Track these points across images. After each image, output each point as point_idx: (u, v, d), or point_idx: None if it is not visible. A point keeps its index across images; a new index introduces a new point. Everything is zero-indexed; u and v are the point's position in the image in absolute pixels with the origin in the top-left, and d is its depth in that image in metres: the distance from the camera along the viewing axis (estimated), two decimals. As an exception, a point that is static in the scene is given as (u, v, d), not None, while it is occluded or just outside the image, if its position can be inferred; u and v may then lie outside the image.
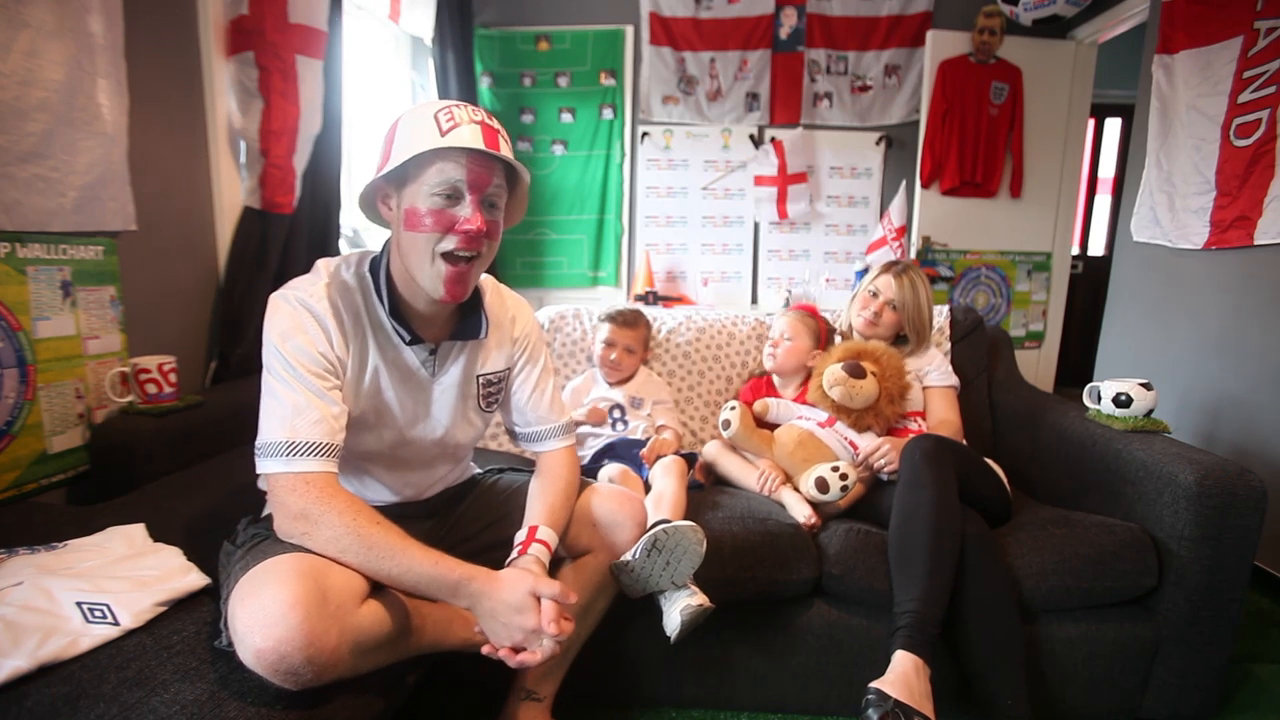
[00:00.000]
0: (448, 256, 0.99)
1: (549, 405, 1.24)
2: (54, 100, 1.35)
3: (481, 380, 1.17)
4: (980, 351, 1.99)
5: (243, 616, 0.82)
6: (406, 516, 1.09)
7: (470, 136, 0.97)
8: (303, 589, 0.82)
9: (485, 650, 0.97)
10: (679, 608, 1.20)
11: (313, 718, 0.84)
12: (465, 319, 1.13)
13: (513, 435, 1.28)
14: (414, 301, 1.06)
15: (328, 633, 0.82)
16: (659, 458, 1.58)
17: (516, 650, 0.96)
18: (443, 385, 1.13)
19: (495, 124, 1.01)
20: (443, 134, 0.96)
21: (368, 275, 1.07)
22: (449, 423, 1.15)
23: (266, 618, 0.80)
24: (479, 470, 1.36)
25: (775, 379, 1.83)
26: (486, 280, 1.19)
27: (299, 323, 0.98)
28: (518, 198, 1.12)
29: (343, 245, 2.43)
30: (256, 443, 0.96)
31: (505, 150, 1.00)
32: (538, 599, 0.95)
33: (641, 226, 3.81)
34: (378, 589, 0.96)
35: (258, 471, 0.96)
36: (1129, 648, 1.35)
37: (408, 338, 1.06)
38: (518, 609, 0.94)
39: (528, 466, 1.31)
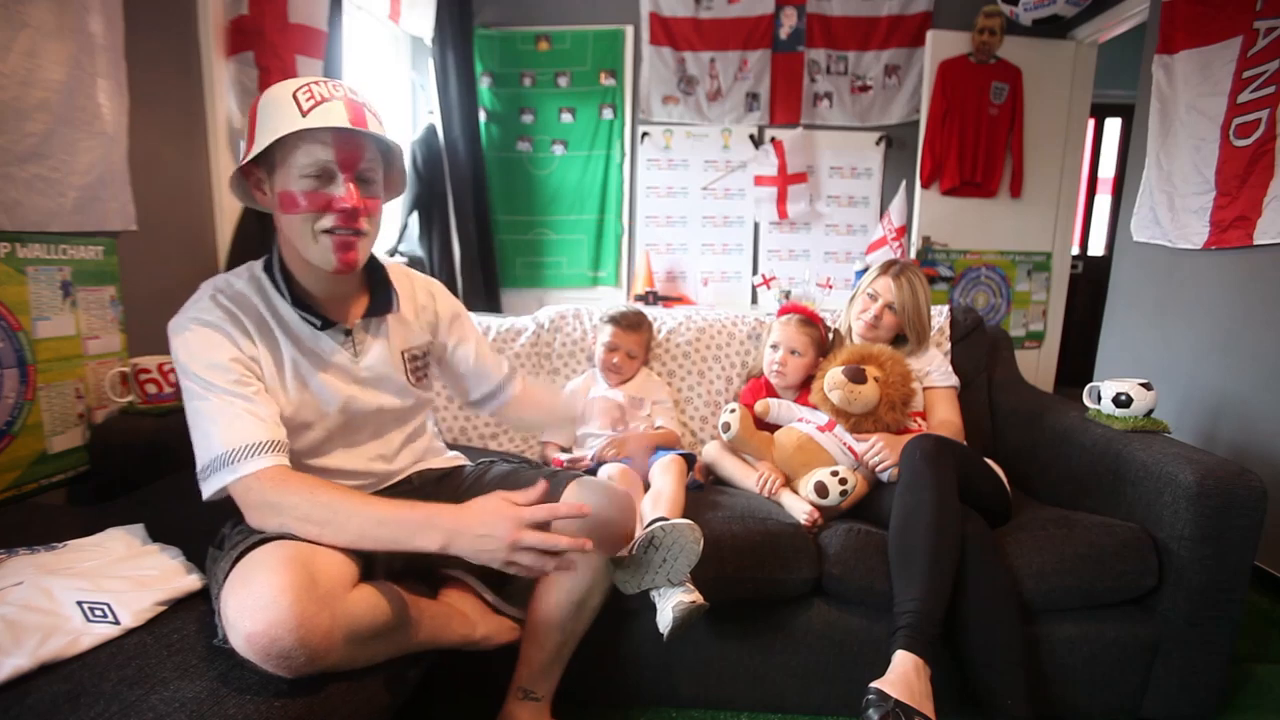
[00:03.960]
0: (329, 233, 0.99)
1: (491, 358, 1.32)
2: (54, 100, 1.35)
3: (406, 355, 1.19)
4: (980, 351, 1.99)
5: (233, 604, 0.83)
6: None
7: (334, 114, 0.96)
8: (292, 574, 0.83)
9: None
10: (672, 604, 1.20)
11: (313, 714, 0.84)
12: (374, 296, 1.14)
13: (476, 405, 1.33)
14: (315, 286, 1.07)
15: (319, 615, 0.82)
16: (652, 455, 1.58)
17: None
18: (367, 364, 1.13)
19: (360, 98, 1.00)
20: (304, 114, 0.95)
21: (262, 276, 1.07)
22: (384, 397, 1.16)
23: (256, 602, 0.81)
24: (470, 464, 1.36)
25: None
26: (387, 261, 1.21)
27: (200, 337, 0.98)
28: (395, 171, 1.12)
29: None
30: (198, 469, 0.95)
31: (374, 125, 1.00)
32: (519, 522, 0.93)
33: (641, 226, 3.80)
34: (368, 579, 0.97)
35: (210, 494, 0.95)
36: (1129, 648, 1.35)
37: (319, 323, 1.06)
38: (492, 510, 0.94)
39: (522, 460, 1.32)
